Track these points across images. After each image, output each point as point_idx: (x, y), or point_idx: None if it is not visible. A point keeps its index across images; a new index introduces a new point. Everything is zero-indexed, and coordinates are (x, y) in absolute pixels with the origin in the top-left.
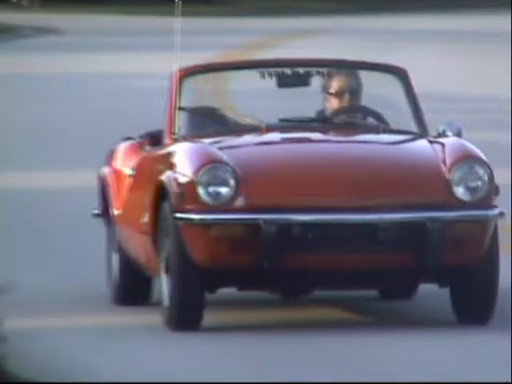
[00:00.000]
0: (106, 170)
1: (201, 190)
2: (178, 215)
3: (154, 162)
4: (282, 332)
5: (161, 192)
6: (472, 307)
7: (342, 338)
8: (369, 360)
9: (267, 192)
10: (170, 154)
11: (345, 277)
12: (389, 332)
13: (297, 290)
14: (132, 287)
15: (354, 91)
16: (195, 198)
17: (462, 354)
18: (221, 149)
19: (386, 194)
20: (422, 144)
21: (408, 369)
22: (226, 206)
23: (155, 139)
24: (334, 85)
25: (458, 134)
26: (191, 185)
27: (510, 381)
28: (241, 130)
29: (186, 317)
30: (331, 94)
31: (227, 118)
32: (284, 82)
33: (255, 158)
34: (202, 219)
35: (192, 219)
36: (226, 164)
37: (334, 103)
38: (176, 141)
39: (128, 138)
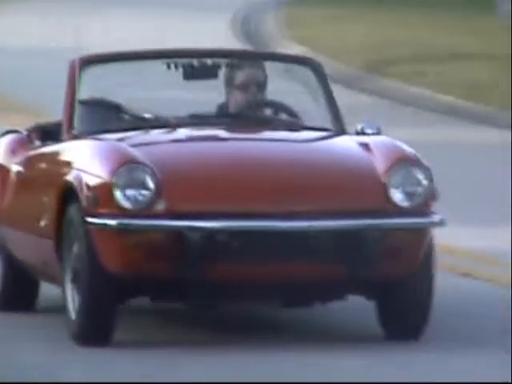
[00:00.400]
0: None
1: (117, 193)
2: (91, 220)
3: (53, 160)
4: (193, 345)
5: (66, 194)
6: (404, 321)
7: (257, 350)
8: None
9: (189, 196)
10: (75, 152)
11: (271, 288)
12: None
13: (217, 301)
14: (16, 292)
15: (260, 84)
16: (111, 201)
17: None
18: (132, 147)
19: (317, 198)
20: (350, 143)
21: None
22: (144, 210)
23: (45, 133)
24: (239, 77)
25: (378, 133)
26: (106, 187)
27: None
28: (146, 125)
29: (95, 330)
30: (235, 86)
31: (130, 112)
32: (190, 73)
33: (173, 157)
34: (119, 224)
35: (107, 224)
36: (144, 164)
37: (237, 96)
38: (76, 137)
39: (11, 131)
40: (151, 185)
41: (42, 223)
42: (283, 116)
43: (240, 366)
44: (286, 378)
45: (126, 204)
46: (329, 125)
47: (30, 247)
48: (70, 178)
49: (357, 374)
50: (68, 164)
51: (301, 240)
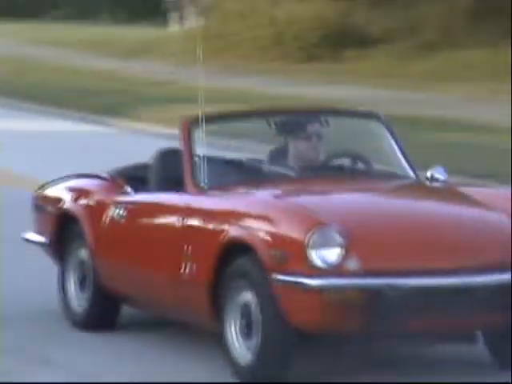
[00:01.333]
0: (69, 205)
1: (311, 253)
2: (281, 277)
3: (189, 211)
4: None
5: (231, 247)
6: None
7: None
8: None
9: (382, 254)
10: (229, 206)
11: (449, 337)
12: None
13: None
14: (104, 315)
15: (321, 135)
16: (303, 260)
17: None
18: (303, 202)
19: (483, 253)
20: (472, 195)
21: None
22: (337, 269)
23: (134, 180)
24: (306, 128)
25: (446, 179)
26: (298, 246)
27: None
28: (268, 178)
29: (272, 377)
30: (301, 138)
31: (247, 164)
32: (282, 129)
33: (355, 214)
34: (316, 284)
35: (305, 284)
36: (334, 224)
37: (302, 146)
38: (205, 190)
39: (86, 175)
40: (343, 243)
41: (186, 269)
42: (360, 165)
43: None
44: None
45: (319, 263)
46: (411, 175)
47: (161, 290)
48: (236, 233)
49: None
50: (223, 218)
51: (479, 294)
